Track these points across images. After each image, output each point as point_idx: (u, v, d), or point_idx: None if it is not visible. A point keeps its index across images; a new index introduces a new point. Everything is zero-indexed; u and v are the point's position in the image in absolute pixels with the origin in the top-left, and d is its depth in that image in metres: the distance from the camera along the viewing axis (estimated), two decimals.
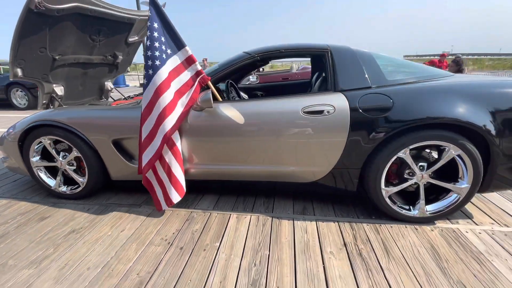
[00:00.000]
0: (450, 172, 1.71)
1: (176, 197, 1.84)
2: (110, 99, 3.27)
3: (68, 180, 2.21)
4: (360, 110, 1.65)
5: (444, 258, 1.46)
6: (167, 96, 1.74)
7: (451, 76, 1.94)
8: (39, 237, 1.70)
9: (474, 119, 1.52)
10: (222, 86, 2.74)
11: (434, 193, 1.80)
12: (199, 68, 1.85)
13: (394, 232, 1.69)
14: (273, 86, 3.47)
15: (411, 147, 1.61)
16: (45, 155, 2.17)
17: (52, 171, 2.21)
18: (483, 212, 1.89)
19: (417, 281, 1.32)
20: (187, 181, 1.95)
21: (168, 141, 1.78)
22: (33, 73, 2.26)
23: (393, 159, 1.65)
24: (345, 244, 1.59)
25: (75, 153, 2.02)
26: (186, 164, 1.93)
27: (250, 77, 4.31)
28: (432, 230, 1.70)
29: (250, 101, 1.84)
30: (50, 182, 2.16)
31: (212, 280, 1.35)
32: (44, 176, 2.16)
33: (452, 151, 1.59)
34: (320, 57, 1.92)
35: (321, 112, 1.69)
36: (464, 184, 1.64)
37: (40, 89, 2.42)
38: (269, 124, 1.75)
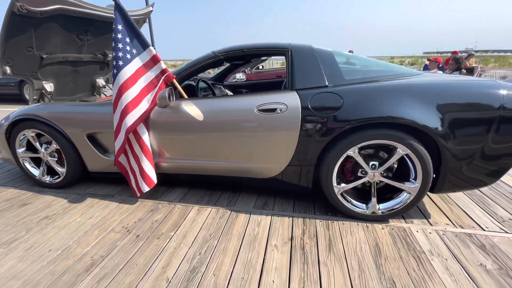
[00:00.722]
0: (405, 171, 1.72)
1: (145, 187, 1.97)
2: (102, 95, 3.45)
3: (51, 171, 2.38)
4: (311, 109, 1.68)
5: (384, 255, 1.49)
6: (131, 94, 1.85)
7: (418, 75, 1.92)
8: (15, 221, 1.87)
9: (419, 118, 1.52)
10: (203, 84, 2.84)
11: (390, 192, 1.81)
12: (164, 67, 1.95)
13: (345, 228, 1.72)
14: (259, 84, 3.52)
15: (359, 145, 1.63)
16: (30, 146, 2.35)
17: (38, 162, 2.39)
18: (443, 212, 1.88)
19: (349, 275, 1.36)
20: (159, 173, 2.07)
21: (135, 134, 1.90)
22: (22, 70, 2.43)
23: (343, 157, 1.68)
24: (291, 238, 1.64)
25: (54, 145, 2.18)
26: (156, 157, 2.04)
27: (237, 75, 4.37)
28: (382, 228, 1.71)
29: (211, 99, 1.91)
30: (35, 172, 2.34)
31: (156, 265, 1.45)
32: (29, 166, 2.34)
33: (400, 150, 1.60)
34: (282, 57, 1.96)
35: (274, 110, 1.74)
36: (414, 184, 1.65)
37: (30, 86, 2.60)
38: (226, 121, 1.82)
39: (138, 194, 2.01)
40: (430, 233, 1.66)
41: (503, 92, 1.52)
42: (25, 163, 2.33)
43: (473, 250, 1.51)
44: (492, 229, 1.68)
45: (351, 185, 1.76)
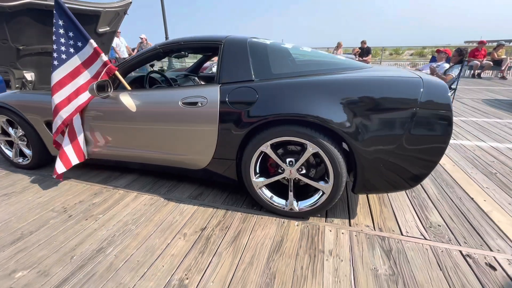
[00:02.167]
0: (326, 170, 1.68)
1: (60, 168, 2.09)
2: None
3: (24, 153, 2.63)
4: (228, 103, 1.69)
5: (282, 251, 1.50)
6: (72, 86, 2.00)
7: (361, 69, 1.83)
8: None
9: (326, 116, 1.47)
10: (172, 74, 2.92)
11: (311, 190, 1.78)
12: (105, 59, 2.04)
13: (260, 223, 1.74)
14: None
15: (270, 142, 1.62)
16: (5, 131, 2.61)
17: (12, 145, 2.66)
18: (371, 214, 1.82)
19: (236, 267, 1.40)
20: (107, 160, 2.23)
21: (72, 120, 2.06)
22: (1, 61, 2.68)
23: (257, 153, 1.68)
24: (204, 229, 1.70)
25: (20, 130, 2.41)
26: (98, 144, 2.19)
27: (214, 67, 4.36)
28: (297, 225, 1.71)
29: (147, 91, 1.99)
30: (9, 153, 2.61)
31: (70, 243, 1.59)
32: (4, 148, 2.62)
33: (310, 148, 1.56)
34: (217, 50, 1.96)
35: (195, 103, 1.77)
36: (327, 183, 1.61)
37: (11, 75, 2.86)
38: (155, 113, 1.89)
39: (54, 176, 2.08)
40: (343, 233, 1.63)
41: (421, 90, 1.42)
42: (1, 145, 2.61)
43: (376, 253, 1.47)
44: (412, 235, 1.61)
45: (268, 181, 1.76)
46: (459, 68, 4.10)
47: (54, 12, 1.99)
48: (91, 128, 2.14)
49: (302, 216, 1.77)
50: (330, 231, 1.65)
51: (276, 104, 1.57)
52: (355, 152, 1.50)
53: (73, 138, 2.11)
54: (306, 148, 1.58)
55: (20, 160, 2.58)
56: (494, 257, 1.43)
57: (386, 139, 1.46)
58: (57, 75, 2.04)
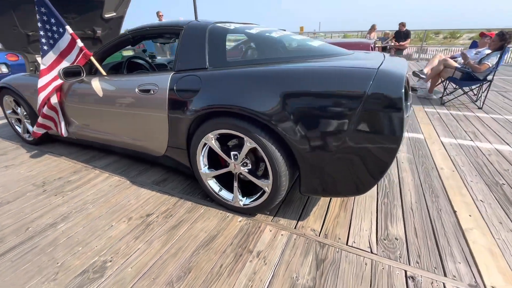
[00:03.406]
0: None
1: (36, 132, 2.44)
2: None
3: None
4: (175, 92, 1.65)
5: (212, 246, 1.46)
6: (55, 68, 2.14)
7: (331, 57, 1.64)
8: None
9: (260, 109, 1.34)
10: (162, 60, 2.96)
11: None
12: (81, 45, 2.13)
13: (205, 215, 1.72)
14: None
15: (212, 134, 1.55)
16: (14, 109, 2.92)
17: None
18: (324, 219, 1.67)
19: (160, 256, 1.40)
20: (85, 141, 2.40)
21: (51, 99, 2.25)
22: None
23: (202, 144, 1.63)
24: (150, 215, 1.74)
25: (23, 109, 2.68)
26: (73, 125, 2.35)
27: None
28: (239, 221, 1.65)
29: (114, 77, 2.03)
30: (19, 129, 2.94)
31: (32, 215, 1.76)
32: (15, 125, 2.95)
33: (247, 143, 1.46)
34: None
35: (148, 91, 1.76)
36: (267, 181, 1.51)
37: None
38: (116, 98, 1.94)
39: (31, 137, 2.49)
40: (282, 235, 1.53)
41: (371, 82, 1.22)
42: (12, 122, 2.94)
43: (306, 261, 1.36)
44: (357, 246, 1.45)
45: (215, 173, 1.71)
46: (498, 55, 3.45)
47: (35, 0, 2.11)
48: (69, 109, 2.29)
49: (247, 212, 1.70)
50: (270, 231, 1.57)
51: (212, 95, 1.48)
52: (293, 149, 1.37)
53: (51, 112, 2.31)
54: (244, 143, 1.48)
55: (27, 136, 2.89)
56: (443, 284, 1.22)
57: (327, 137, 1.30)
58: (46, 60, 2.19)
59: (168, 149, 1.88)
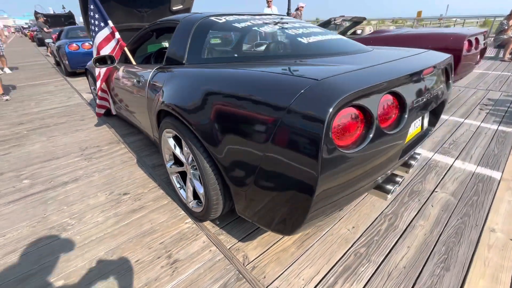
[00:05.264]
0: None
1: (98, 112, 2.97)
2: None
3: None
4: (150, 86, 1.71)
5: (144, 239, 1.51)
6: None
7: (332, 57, 1.36)
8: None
9: (185, 109, 1.23)
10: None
11: None
12: (118, 37, 2.47)
13: (164, 206, 1.77)
14: None
15: (166, 131, 1.54)
16: None
17: None
18: (266, 249, 1.43)
19: (107, 232, 1.56)
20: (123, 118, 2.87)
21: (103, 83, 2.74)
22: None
23: (163, 141, 1.65)
24: (126, 194, 1.93)
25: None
26: (116, 105, 2.79)
27: None
28: (186, 223, 1.62)
29: (130, 66, 2.27)
30: None
31: (60, 168, 2.26)
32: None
33: (185, 147, 1.38)
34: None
35: (139, 82, 1.90)
36: (202, 189, 1.40)
37: None
38: (126, 85, 2.19)
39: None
40: (210, 251, 1.42)
41: (298, 95, 0.92)
42: (94, 95, 3.78)
43: (226, 281, 1.22)
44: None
45: (176, 169, 1.71)
46: None
47: None
48: (112, 91, 2.74)
49: (197, 216, 1.65)
50: (204, 242, 1.48)
51: (166, 92, 1.47)
52: (218, 164, 1.22)
53: (104, 93, 2.83)
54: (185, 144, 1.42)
55: None
56: None
57: (247, 154, 1.08)
58: (94, 50, 2.68)
59: (155, 138, 2.00)
